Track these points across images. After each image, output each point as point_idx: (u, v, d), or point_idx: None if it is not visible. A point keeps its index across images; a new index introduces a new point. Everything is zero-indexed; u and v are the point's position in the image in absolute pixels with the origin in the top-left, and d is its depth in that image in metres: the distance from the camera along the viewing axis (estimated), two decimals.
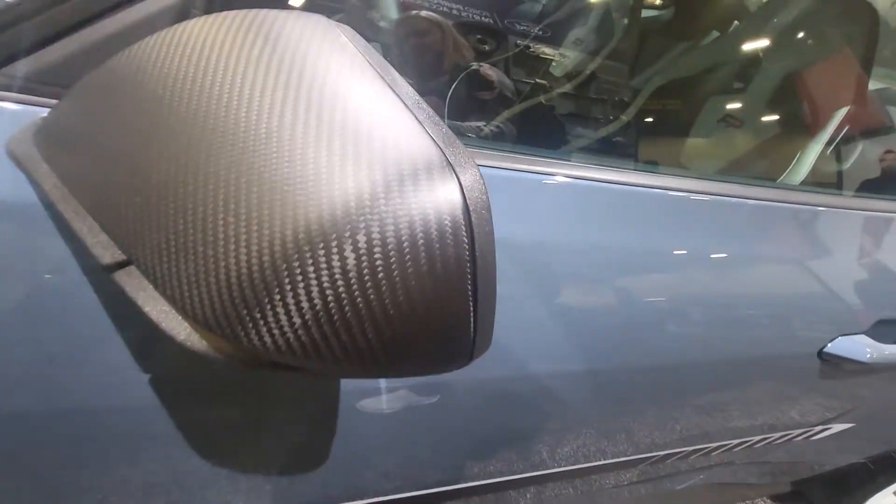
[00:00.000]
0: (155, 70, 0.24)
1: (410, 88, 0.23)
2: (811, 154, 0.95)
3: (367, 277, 0.20)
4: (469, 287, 0.20)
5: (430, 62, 0.87)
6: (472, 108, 0.85)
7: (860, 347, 0.73)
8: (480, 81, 0.89)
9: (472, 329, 0.21)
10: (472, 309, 0.21)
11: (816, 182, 0.91)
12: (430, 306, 0.20)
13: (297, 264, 0.20)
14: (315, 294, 0.20)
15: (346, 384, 0.45)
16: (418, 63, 0.87)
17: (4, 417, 0.34)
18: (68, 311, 0.32)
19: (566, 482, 0.77)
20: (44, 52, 0.33)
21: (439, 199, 0.20)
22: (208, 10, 0.34)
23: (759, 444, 0.89)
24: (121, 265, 0.24)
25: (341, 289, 0.20)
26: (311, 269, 0.20)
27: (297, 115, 0.21)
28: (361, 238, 0.19)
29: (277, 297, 0.20)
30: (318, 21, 0.25)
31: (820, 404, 0.87)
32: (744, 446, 0.87)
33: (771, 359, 0.72)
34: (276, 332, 0.21)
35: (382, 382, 0.47)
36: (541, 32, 1.45)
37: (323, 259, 0.19)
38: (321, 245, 0.19)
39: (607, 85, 1.25)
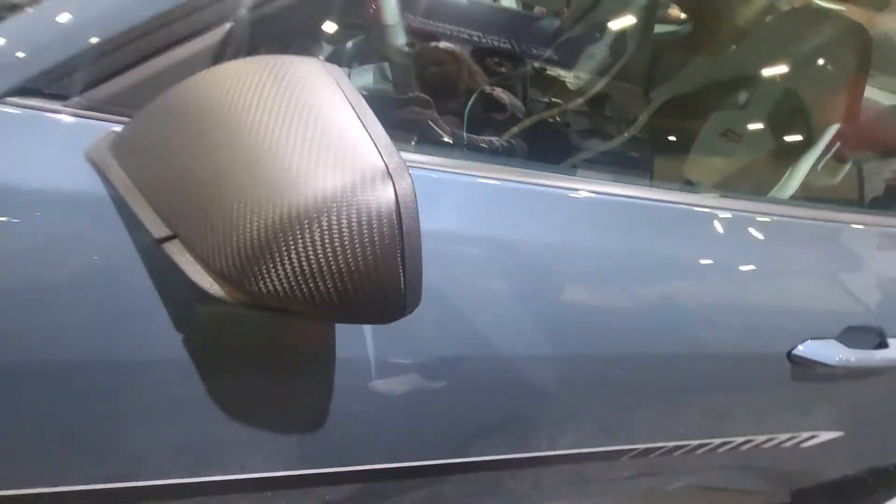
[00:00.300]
0: (197, 101, 0.34)
1: (375, 118, 0.32)
2: (802, 169, 0.96)
3: (328, 246, 0.29)
4: (399, 256, 0.29)
5: (448, 87, 0.99)
6: (488, 125, 0.94)
7: (829, 351, 0.76)
8: (494, 103, 0.99)
9: (402, 287, 0.30)
10: (401, 272, 0.30)
11: (806, 196, 0.92)
12: (370, 268, 0.29)
13: (282, 237, 0.29)
14: (294, 257, 0.29)
15: (360, 365, 0.54)
16: (438, 87, 0.98)
17: (64, 366, 0.44)
18: (127, 278, 0.43)
19: (559, 468, 0.82)
20: (115, 81, 0.44)
21: (380, 196, 0.29)
22: (238, 53, 0.44)
23: (744, 447, 0.92)
24: (168, 238, 0.34)
25: (310, 254, 0.29)
26: (292, 240, 0.29)
27: (289, 135, 0.30)
28: (324, 220, 0.29)
29: (269, 258, 0.30)
30: (314, 65, 0.35)
31: (798, 408, 0.89)
32: (728, 447, 0.91)
33: (743, 357, 0.76)
34: (269, 282, 0.30)
35: (393, 363, 0.56)
36: (555, 56, 1.55)
37: (299, 234, 0.29)
38: (298, 225, 0.29)
39: (613, 101, 1.33)
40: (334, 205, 0.29)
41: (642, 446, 0.82)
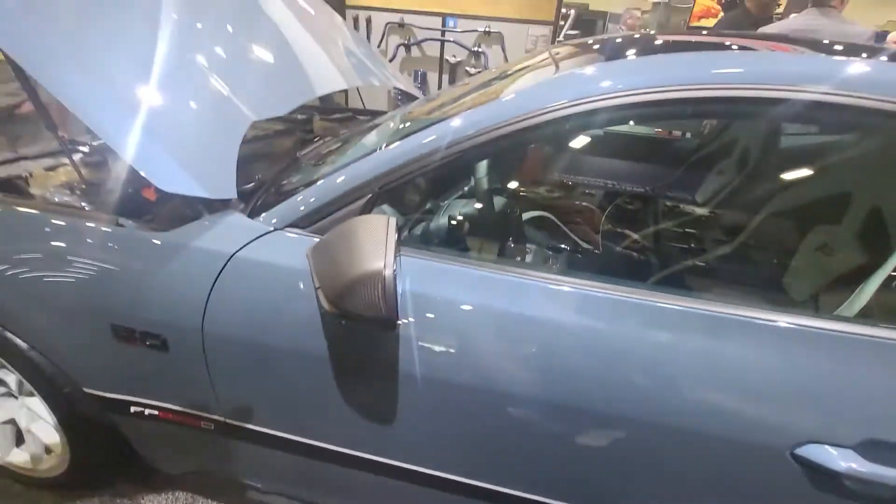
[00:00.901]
0: (343, 230, 0.84)
1: (393, 244, 0.77)
2: (872, 286, 0.97)
3: (362, 293, 0.74)
4: (383, 301, 0.73)
5: (585, 227, 1.51)
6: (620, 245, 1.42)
7: (838, 460, 0.76)
8: (623, 237, 1.48)
9: (382, 313, 0.73)
10: (383, 308, 0.73)
11: (879, 315, 0.92)
12: (372, 303, 0.73)
13: (350, 287, 0.75)
14: (353, 295, 0.75)
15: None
16: (578, 228, 1.50)
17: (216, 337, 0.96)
18: (303, 307, 0.92)
19: None
20: (324, 220, 0.98)
21: (377, 277, 0.73)
22: (369, 210, 0.95)
23: None
24: (318, 287, 0.83)
25: (357, 295, 0.75)
26: (352, 289, 0.75)
27: (362, 246, 0.77)
28: (363, 282, 0.74)
29: (346, 295, 0.76)
30: (382, 218, 0.82)
31: None
32: None
33: (747, 448, 0.81)
34: (345, 304, 0.76)
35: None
36: (684, 183, 1.83)
37: (355, 287, 0.75)
38: (355, 283, 0.75)
39: (730, 221, 1.56)
40: (367, 277, 0.74)
41: None
